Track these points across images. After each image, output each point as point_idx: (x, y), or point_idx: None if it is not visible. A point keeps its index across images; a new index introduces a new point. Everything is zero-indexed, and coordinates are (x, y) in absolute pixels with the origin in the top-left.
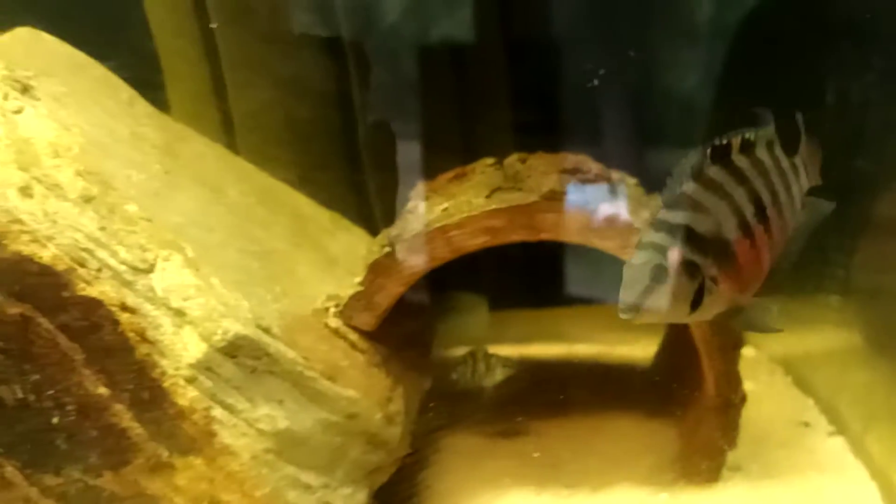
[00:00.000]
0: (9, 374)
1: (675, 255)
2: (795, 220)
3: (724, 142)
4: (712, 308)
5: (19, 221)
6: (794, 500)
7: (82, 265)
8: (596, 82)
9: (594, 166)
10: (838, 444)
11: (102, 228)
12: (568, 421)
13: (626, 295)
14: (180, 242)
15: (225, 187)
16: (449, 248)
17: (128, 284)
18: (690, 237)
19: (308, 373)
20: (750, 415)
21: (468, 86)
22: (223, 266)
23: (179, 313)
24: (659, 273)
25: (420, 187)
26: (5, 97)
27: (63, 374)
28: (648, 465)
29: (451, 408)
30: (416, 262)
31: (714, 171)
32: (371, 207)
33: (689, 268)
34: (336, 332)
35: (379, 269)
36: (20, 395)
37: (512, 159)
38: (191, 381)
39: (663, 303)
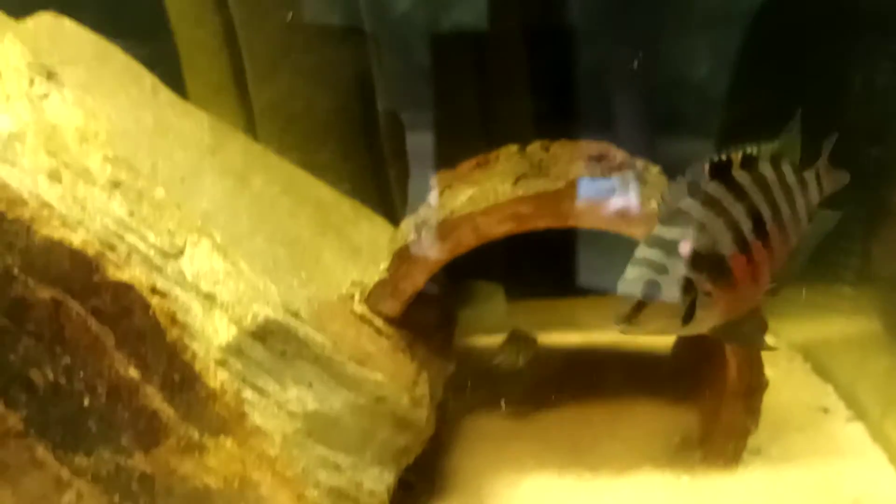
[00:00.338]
0: (40, 357)
1: (676, 270)
2: (800, 233)
3: (725, 157)
4: (706, 322)
5: (49, 206)
6: (814, 485)
7: (112, 249)
8: (636, 64)
9: (619, 153)
10: (857, 429)
11: (131, 213)
12: (590, 406)
13: (619, 309)
14: (209, 228)
15: (250, 176)
16: (475, 235)
17: (157, 269)
18: (684, 253)
19: (336, 357)
20: (769, 400)
21: (483, 74)
22: (251, 252)
23: (209, 297)
24: (651, 289)
25: (443, 175)
26: (31, 83)
27: (94, 357)
28: (669, 449)
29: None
30: (442, 249)
31: (713, 188)
32: (392, 197)
33: (682, 283)
34: (362, 317)
35: (405, 257)
36: (52, 378)
37: (535, 147)
38: (221, 363)
39: (655, 318)
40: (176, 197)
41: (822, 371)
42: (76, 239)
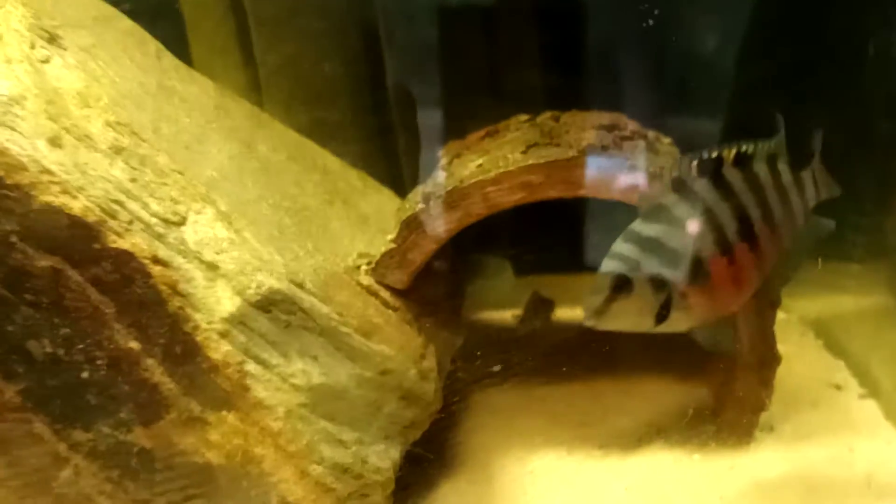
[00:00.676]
0: (38, 327)
1: (644, 268)
2: (794, 234)
3: (715, 154)
4: (681, 323)
5: (49, 172)
6: (826, 461)
7: (113, 217)
8: (651, 22)
9: (630, 123)
10: (869, 406)
11: (133, 180)
12: (599, 380)
13: (589, 302)
14: (212, 196)
15: (255, 143)
16: (485, 204)
17: (159, 237)
18: (660, 251)
19: (342, 328)
20: (781, 377)
21: (490, 46)
22: (256, 221)
23: (212, 267)
24: (621, 284)
25: (452, 145)
26: (32, 46)
27: (94, 327)
28: (681, 424)
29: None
30: (451, 218)
31: (699, 185)
32: (400, 168)
33: (655, 282)
34: (368, 289)
35: (413, 226)
36: (49, 349)
37: (545, 116)
38: (224, 335)
39: (625, 314)
40: (179, 164)
41: (834, 347)
42: (76, 206)
